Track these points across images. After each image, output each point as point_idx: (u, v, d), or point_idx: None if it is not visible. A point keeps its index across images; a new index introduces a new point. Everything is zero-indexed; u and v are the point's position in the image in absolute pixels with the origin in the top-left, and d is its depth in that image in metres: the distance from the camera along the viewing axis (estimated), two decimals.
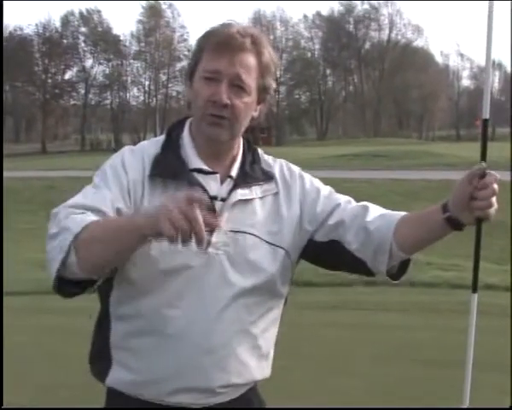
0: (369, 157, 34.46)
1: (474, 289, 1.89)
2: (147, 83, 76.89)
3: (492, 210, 1.76)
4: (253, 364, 1.97)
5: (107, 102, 77.89)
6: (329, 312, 7.26)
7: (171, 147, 1.96)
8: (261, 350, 1.99)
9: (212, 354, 1.88)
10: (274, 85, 2.01)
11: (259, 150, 2.07)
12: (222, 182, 1.93)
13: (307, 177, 2.08)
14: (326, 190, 2.05)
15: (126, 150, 1.97)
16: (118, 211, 1.81)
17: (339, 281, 8.86)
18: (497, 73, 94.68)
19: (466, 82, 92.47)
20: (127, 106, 77.59)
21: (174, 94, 78.48)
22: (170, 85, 77.21)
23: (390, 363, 5.51)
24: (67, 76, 76.80)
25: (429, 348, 5.90)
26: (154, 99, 76.79)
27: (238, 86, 1.87)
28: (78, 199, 1.84)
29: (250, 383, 2.00)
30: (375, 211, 1.97)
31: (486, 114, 1.80)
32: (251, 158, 2.02)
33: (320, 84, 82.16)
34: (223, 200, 1.90)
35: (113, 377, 1.92)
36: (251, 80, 1.89)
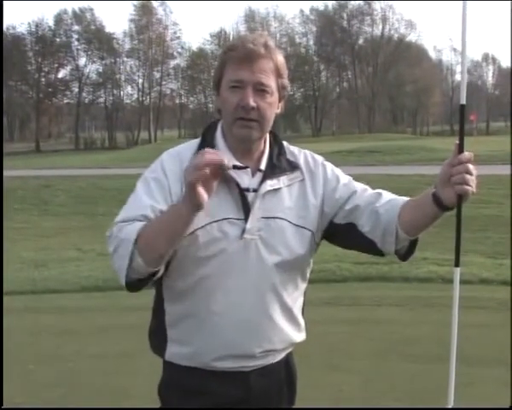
0: (363, 153, 34.46)
1: (457, 263, 2.03)
2: (140, 81, 76.64)
3: (468, 188, 1.94)
4: (290, 330, 2.26)
5: (101, 100, 77.57)
6: (324, 308, 7.26)
7: (207, 147, 2.13)
8: (295, 318, 2.28)
9: (253, 327, 2.15)
10: (288, 83, 2.25)
11: (285, 143, 2.33)
12: (253, 175, 2.19)
13: (329, 165, 2.34)
14: (345, 178, 2.32)
15: (164, 156, 2.23)
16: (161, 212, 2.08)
17: (333, 277, 8.87)
18: (490, 67, 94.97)
19: (459, 77, 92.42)
20: (121, 104, 77.24)
21: (168, 92, 78.37)
22: (163, 83, 76.99)
23: (386, 358, 5.52)
24: (61, 75, 76.52)
25: (425, 343, 5.91)
26: (148, 97, 76.54)
27: (261, 90, 2.13)
28: (124, 213, 2.12)
29: (289, 347, 2.30)
30: (386, 197, 2.23)
31: (463, 100, 1.97)
32: (277, 150, 2.27)
33: (314, 81, 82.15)
34: (254, 190, 2.16)
35: (170, 353, 2.22)
36: (271, 82, 2.15)
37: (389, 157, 32.09)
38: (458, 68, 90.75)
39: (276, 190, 2.19)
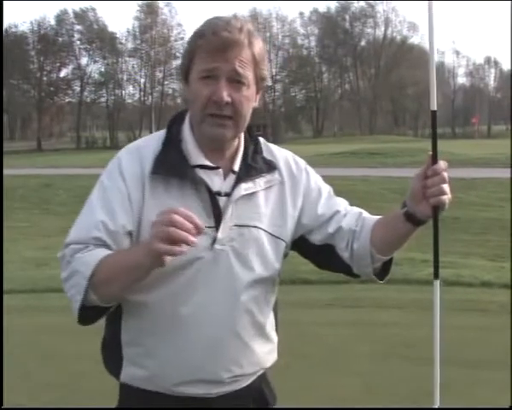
0: (364, 155, 34.48)
1: (436, 275, 1.96)
2: (142, 80, 76.79)
3: (445, 198, 1.83)
4: (261, 351, 2.03)
5: (103, 99, 77.76)
6: (326, 309, 7.26)
7: (172, 143, 1.94)
8: (267, 336, 2.06)
9: (222, 348, 1.93)
10: (267, 73, 2.02)
11: (262, 140, 2.08)
12: (225, 176, 1.94)
13: (312, 173, 2.11)
14: (326, 190, 2.10)
15: (123, 153, 1.97)
16: (123, 228, 1.87)
17: (335, 278, 8.85)
18: (492, 70, 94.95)
19: (461, 79, 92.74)
20: (122, 104, 77.40)
21: (170, 92, 78.46)
22: (166, 83, 77.11)
23: (387, 360, 5.51)
24: (63, 74, 76.74)
25: (426, 345, 5.90)
26: (150, 97, 76.62)
27: (237, 81, 1.87)
28: (76, 230, 1.90)
29: (259, 371, 2.06)
30: (365, 219, 2.05)
31: (434, 106, 1.91)
32: (253, 148, 2.02)
33: (316, 82, 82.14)
34: (227, 195, 1.92)
35: (126, 374, 1.99)
36: (248, 72, 1.88)
37: (390, 159, 32.09)
38: (460, 71, 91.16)
39: (252, 194, 1.95)
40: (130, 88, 78.81)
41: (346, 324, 6.68)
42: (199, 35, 1.88)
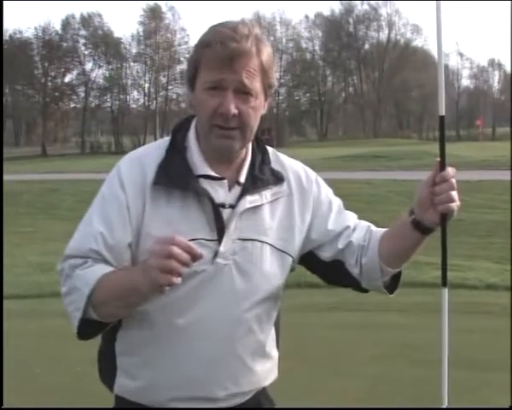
0: (369, 158, 34.50)
1: (444, 283, 1.92)
2: (147, 85, 76.87)
3: (454, 205, 1.80)
4: (261, 370, 1.97)
5: (107, 104, 77.87)
6: (331, 313, 7.26)
7: (177, 151, 1.88)
8: (267, 354, 2.00)
9: (219, 364, 1.87)
10: (276, 80, 1.95)
11: (271, 149, 2.01)
12: (230, 188, 1.88)
13: (323, 185, 2.05)
14: (336, 204, 2.04)
15: (122, 163, 1.91)
16: (121, 242, 1.83)
17: None
18: (496, 72, 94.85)
19: (466, 82, 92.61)
20: (127, 108, 77.56)
21: (174, 96, 78.46)
22: (170, 88, 77.14)
23: (391, 364, 5.51)
24: (67, 79, 76.87)
25: (430, 348, 5.89)
26: (154, 102, 76.74)
27: (244, 92, 1.80)
28: (75, 241, 1.87)
29: (258, 389, 2.00)
30: (372, 232, 2.01)
31: (442, 111, 1.86)
32: (260, 159, 1.95)
33: (320, 85, 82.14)
34: (231, 207, 1.85)
35: (119, 386, 1.94)
36: (255, 83, 1.82)
37: (395, 162, 32.09)
38: (464, 73, 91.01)
39: (257, 207, 1.89)
40: (135, 93, 78.98)
41: (350, 327, 6.68)
42: (205, 44, 1.80)
